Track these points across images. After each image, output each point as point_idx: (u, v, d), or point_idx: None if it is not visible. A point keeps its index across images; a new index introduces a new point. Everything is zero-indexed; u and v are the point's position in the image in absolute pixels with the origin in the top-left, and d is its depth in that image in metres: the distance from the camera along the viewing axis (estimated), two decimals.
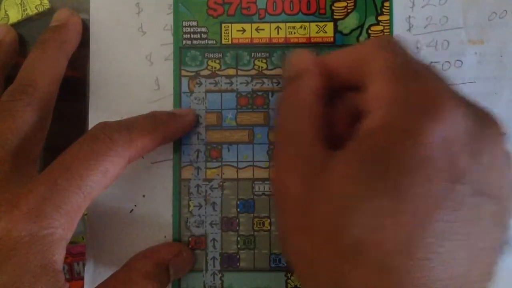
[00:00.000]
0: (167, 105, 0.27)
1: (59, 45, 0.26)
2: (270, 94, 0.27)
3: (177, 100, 0.27)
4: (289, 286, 0.26)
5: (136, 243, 0.26)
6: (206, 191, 0.27)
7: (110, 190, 0.27)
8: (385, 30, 0.27)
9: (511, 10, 0.27)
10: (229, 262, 0.26)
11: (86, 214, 0.27)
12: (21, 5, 0.28)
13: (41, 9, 0.28)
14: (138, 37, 0.28)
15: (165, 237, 0.27)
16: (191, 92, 0.27)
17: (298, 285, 0.26)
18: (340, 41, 0.27)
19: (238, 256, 0.26)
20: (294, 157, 0.21)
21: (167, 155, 0.27)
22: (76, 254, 0.28)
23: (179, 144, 0.27)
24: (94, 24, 0.28)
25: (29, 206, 0.21)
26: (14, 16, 0.29)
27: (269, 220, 0.26)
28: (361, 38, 0.27)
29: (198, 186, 0.27)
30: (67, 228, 0.21)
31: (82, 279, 0.27)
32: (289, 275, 0.26)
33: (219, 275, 0.26)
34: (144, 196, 0.27)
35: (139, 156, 0.24)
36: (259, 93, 0.27)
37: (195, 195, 0.27)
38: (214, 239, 0.26)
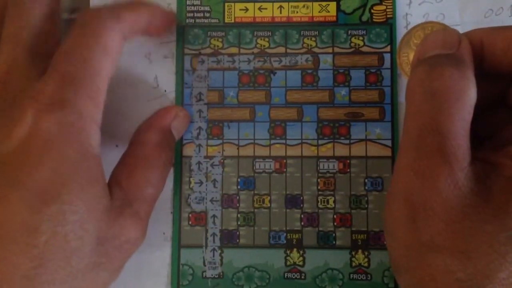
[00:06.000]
0: (167, 103, 0.27)
1: None
2: (271, 72, 0.27)
3: (180, 80, 0.27)
4: (288, 263, 0.26)
5: None
6: (207, 168, 0.27)
7: None
8: (387, 10, 0.27)
9: (507, 7, 0.27)
10: (229, 239, 0.27)
11: None
12: None
13: None
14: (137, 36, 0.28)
15: (164, 233, 0.27)
16: (194, 70, 0.27)
17: (296, 262, 0.26)
18: (342, 20, 0.27)
19: (238, 233, 0.27)
20: (435, 166, 0.19)
21: None
22: None
23: None
24: None
25: (48, 97, 0.21)
26: None
27: (269, 198, 0.27)
28: (364, 18, 0.27)
29: (199, 163, 0.27)
30: (94, 110, 0.21)
31: None
32: (288, 251, 0.26)
33: (219, 251, 0.26)
34: None
35: (132, 33, 0.24)
36: (261, 72, 0.27)
37: (196, 172, 0.27)
38: (214, 216, 0.27)
